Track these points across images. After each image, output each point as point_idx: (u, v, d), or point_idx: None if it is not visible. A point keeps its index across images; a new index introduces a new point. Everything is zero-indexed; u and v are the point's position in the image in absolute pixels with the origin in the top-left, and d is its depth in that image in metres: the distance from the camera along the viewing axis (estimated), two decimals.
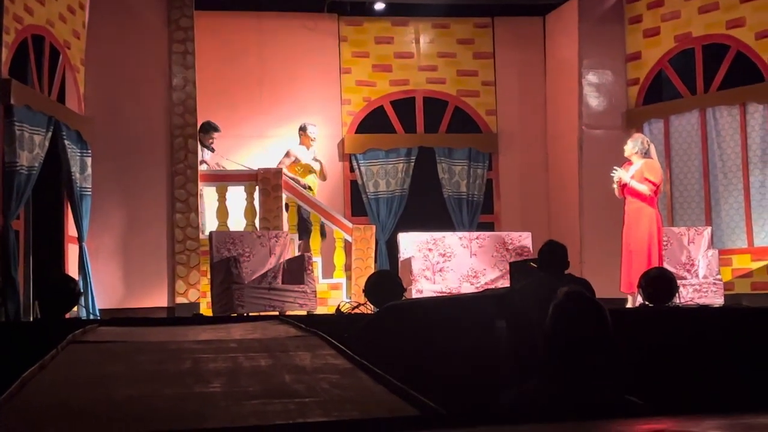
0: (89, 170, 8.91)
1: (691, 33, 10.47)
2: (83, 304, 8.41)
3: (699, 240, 9.35)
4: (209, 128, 10.06)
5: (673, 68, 10.69)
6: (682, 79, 10.59)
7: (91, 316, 8.37)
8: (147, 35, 9.49)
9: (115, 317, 7.75)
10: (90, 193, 8.88)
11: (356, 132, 11.36)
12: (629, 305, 8.16)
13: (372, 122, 11.46)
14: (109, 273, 9.12)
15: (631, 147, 8.69)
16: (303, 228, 9.97)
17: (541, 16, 11.57)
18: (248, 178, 9.66)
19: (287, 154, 10.17)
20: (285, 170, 9.86)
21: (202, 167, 9.83)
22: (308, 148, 10.27)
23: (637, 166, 8.57)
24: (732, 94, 10.11)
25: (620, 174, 8.49)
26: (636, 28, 10.90)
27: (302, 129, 10.30)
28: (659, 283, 6.94)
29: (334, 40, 11.35)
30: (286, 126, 10.97)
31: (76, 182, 8.69)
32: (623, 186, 8.52)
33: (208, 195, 9.85)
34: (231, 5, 10.82)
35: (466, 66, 11.61)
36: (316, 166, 10.24)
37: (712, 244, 9.48)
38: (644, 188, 8.48)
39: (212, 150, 10.16)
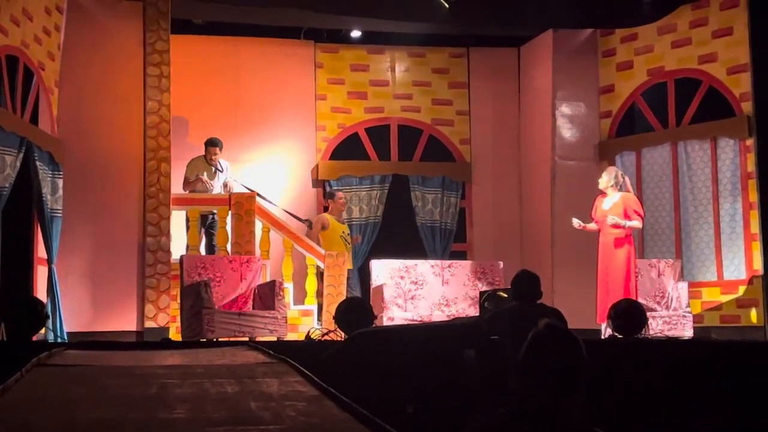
0: (60, 192, 8.85)
1: (663, 67, 10.59)
2: (51, 326, 8.33)
3: (669, 272, 9.42)
4: (207, 144, 9.96)
5: (645, 101, 10.79)
6: (655, 112, 10.70)
7: (59, 339, 8.28)
8: (122, 58, 9.47)
9: (82, 340, 7.65)
10: (60, 214, 8.81)
11: (330, 158, 11.37)
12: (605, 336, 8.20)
13: (346, 149, 11.47)
14: (78, 296, 9.04)
15: (606, 180, 8.78)
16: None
17: (516, 48, 11.66)
18: (221, 203, 9.63)
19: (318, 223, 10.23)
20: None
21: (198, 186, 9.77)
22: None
23: (615, 200, 8.66)
24: (703, 128, 10.22)
25: (617, 220, 8.52)
26: (609, 61, 11.02)
27: (332, 196, 10.34)
28: (629, 314, 6.96)
29: (310, 67, 11.38)
30: (260, 150, 10.96)
31: (47, 203, 8.63)
32: (612, 225, 8.54)
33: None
34: (208, 29, 10.82)
35: (441, 95, 11.67)
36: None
37: (682, 276, 9.55)
38: (638, 223, 8.64)
39: (220, 170, 9.98)
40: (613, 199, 8.70)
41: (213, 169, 9.98)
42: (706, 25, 10.20)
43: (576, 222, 8.75)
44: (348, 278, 9.69)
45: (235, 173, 10.29)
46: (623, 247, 8.55)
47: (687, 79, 10.42)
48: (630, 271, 8.51)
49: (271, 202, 10.22)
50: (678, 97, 10.52)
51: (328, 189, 10.82)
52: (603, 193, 8.84)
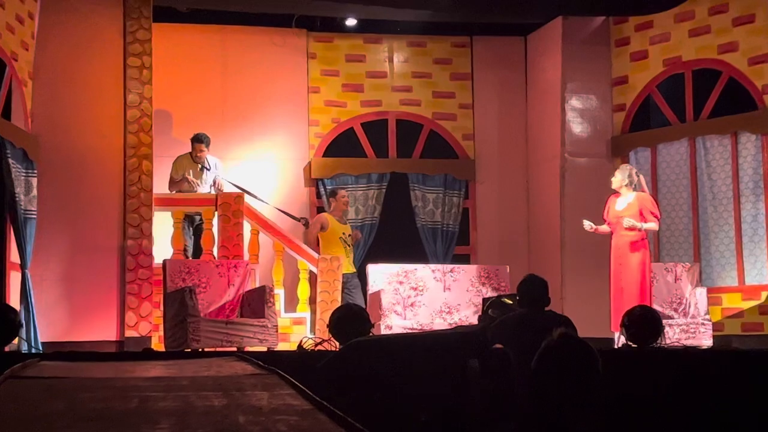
0: (35, 191, 8.85)
1: (681, 57, 10.61)
2: (24, 336, 8.33)
3: (687, 277, 9.43)
4: (192, 140, 9.96)
5: (661, 94, 10.82)
6: (671, 105, 10.72)
7: (33, 350, 8.28)
8: (101, 48, 9.47)
9: (58, 351, 7.65)
10: (35, 216, 8.81)
11: (324, 155, 11.38)
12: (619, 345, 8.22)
13: (341, 145, 11.48)
14: (53, 303, 9.04)
15: (619, 179, 8.79)
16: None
17: (523, 37, 11.68)
18: (207, 203, 9.64)
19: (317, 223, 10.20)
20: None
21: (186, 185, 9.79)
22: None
23: (630, 200, 8.68)
24: (723, 122, 10.24)
25: (633, 223, 8.54)
26: (623, 51, 11.03)
27: (333, 194, 10.28)
28: (643, 322, 6.98)
29: (303, 57, 11.39)
30: (248, 147, 10.97)
31: (20, 204, 8.63)
32: (628, 227, 8.56)
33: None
34: (193, 17, 10.83)
35: (443, 87, 11.68)
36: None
37: (700, 281, 9.56)
38: (654, 225, 8.67)
39: (207, 167, 9.97)
40: (627, 200, 8.72)
41: (200, 167, 9.99)
42: (726, 12, 10.22)
43: (587, 224, 8.76)
44: (345, 282, 9.69)
45: (224, 171, 10.29)
46: (639, 251, 8.57)
47: (706, 70, 10.44)
48: (645, 276, 8.54)
49: (263, 201, 10.22)
50: (696, 89, 10.54)
51: (329, 187, 10.81)
52: (616, 193, 8.86)
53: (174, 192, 9.89)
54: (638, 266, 8.54)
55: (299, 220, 10.46)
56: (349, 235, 10.09)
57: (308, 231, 10.23)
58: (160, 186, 9.74)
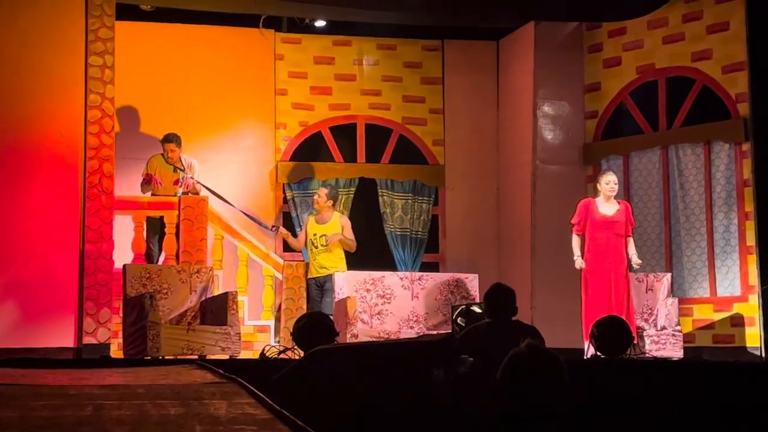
0: None
1: (654, 64, 10.68)
2: None
3: (658, 287, 9.49)
4: (162, 141, 9.90)
5: (634, 101, 10.88)
6: (644, 113, 10.78)
7: None
8: (61, 45, 9.36)
9: (11, 357, 7.58)
10: None
11: (291, 159, 11.35)
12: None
13: (308, 149, 11.46)
14: (7, 307, 8.93)
15: (615, 184, 8.98)
16: None
17: (495, 41, 11.72)
18: (169, 207, 9.58)
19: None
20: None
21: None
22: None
23: (618, 207, 8.93)
24: (696, 131, 10.31)
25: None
26: (595, 58, 11.09)
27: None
28: (613, 332, 7.01)
29: (270, 58, 11.35)
30: (212, 150, 10.91)
31: None
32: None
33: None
34: (156, 16, 10.76)
35: (413, 92, 11.69)
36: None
37: (671, 292, 9.61)
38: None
39: (181, 169, 9.86)
40: (613, 206, 8.84)
41: (173, 168, 9.90)
42: (701, 20, 10.30)
43: (579, 263, 8.80)
44: (309, 287, 9.61)
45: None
46: (624, 260, 8.79)
47: (679, 78, 10.51)
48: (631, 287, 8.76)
49: (235, 207, 10.09)
50: (669, 97, 10.61)
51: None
52: (588, 199, 8.94)
53: (144, 193, 9.82)
54: (625, 276, 8.69)
55: (270, 229, 10.36)
56: (322, 236, 9.88)
57: (299, 234, 10.15)
58: (122, 188, 9.66)
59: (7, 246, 9.02)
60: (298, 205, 11.25)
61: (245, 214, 10.36)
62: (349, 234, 9.82)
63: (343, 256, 9.71)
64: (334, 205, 9.97)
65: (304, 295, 9.55)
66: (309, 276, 9.69)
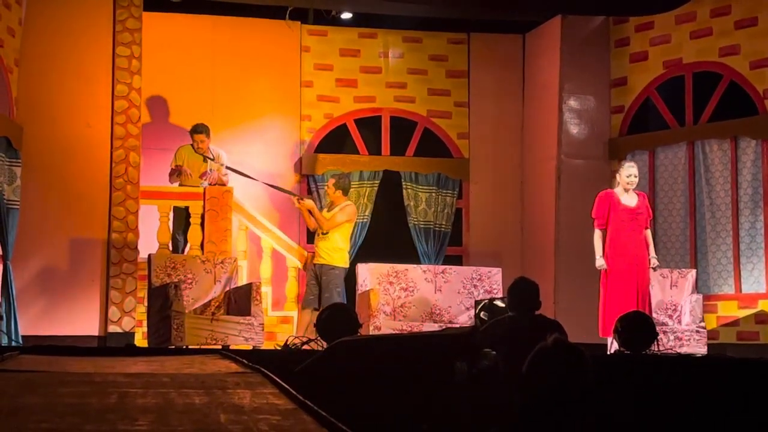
0: (18, 181, 8.82)
1: (681, 59, 10.62)
2: (4, 329, 8.31)
3: (682, 284, 9.44)
4: (190, 131, 9.91)
5: (660, 96, 10.82)
6: (670, 108, 10.72)
7: (13, 343, 8.26)
8: (89, 36, 9.44)
9: (38, 345, 7.65)
10: (18, 206, 8.79)
11: (315, 151, 11.36)
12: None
13: (333, 141, 11.47)
14: (35, 296, 9.01)
15: (636, 174, 8.79)
16: None
17: (521, 35, 11.68)
18: (194, 197, 9.61)
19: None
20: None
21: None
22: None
23: (638, 199, 8.76)
24: (723, 126, 10.26)
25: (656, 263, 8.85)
26: (622, 52, 11.04)
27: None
28: (637, 328, 6.99)
29: (296, 50, 11.36)
30: (237, 141, 10.93)
31: (3, 194, 8.61)
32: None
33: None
34: (184, 7, 10.79)
35: (438, 85, 11.67)
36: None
37: (696, 288, 9.57)
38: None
39: (211, 158, 9.88)
40: (633, 197, 8.68)
41: (203, 158, 9.92)
42: (729, 15, 10.23)
43: (600, 264, 8.64)
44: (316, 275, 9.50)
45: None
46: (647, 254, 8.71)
47: (706, 73, 10.45)
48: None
49: (257, 180, 10.06)
50: (696, 92, 10.55)
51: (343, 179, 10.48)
52: (608, 190, 8.82)
53: (173, 184, 9.86)
54: (647, 272, 8.58)
55: (296, 196, 10.11)
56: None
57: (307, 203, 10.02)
58: (149, 178, 9.71)
59: (38, 235, 9.09)
60: (322, 197, 11.25)
61: (270, 185, 10.27)
62: (336, 217, 9.51)
63: (340, 247, 9.47)
64: (345, 194, 9.79)
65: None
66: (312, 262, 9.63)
